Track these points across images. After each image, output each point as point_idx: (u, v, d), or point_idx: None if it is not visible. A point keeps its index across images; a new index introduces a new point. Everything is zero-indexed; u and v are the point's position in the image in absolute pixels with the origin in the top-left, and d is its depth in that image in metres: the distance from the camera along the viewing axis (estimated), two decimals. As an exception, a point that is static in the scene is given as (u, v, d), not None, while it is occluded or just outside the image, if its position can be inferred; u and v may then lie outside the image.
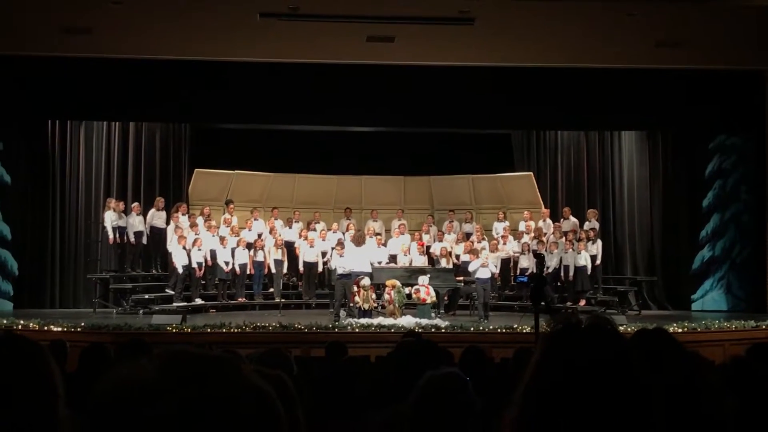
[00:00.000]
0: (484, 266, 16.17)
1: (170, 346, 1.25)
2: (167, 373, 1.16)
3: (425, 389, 2.86)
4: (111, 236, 17.06)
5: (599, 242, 17.86)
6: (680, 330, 13.73)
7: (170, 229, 17.37)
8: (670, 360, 2.55)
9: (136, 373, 1.17)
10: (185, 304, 16.62)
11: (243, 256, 17.65)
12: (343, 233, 18.11)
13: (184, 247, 16.81)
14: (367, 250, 16.64)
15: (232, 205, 18.78)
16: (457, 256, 18.04)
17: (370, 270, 15.99)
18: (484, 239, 18.21)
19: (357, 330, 13.85)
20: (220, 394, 1.14)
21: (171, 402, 1.12)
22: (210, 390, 1.14)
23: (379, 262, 17.40)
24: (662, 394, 1.61)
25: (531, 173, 19.94)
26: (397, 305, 15.39)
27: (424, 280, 15.92)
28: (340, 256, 15.87)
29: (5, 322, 13.79)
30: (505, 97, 16.41)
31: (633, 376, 1.52)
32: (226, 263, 17.38)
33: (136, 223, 17.45)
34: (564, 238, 17.68)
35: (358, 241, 16.45)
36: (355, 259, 15.85)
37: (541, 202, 19.48)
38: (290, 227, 18.83)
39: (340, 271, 15.68)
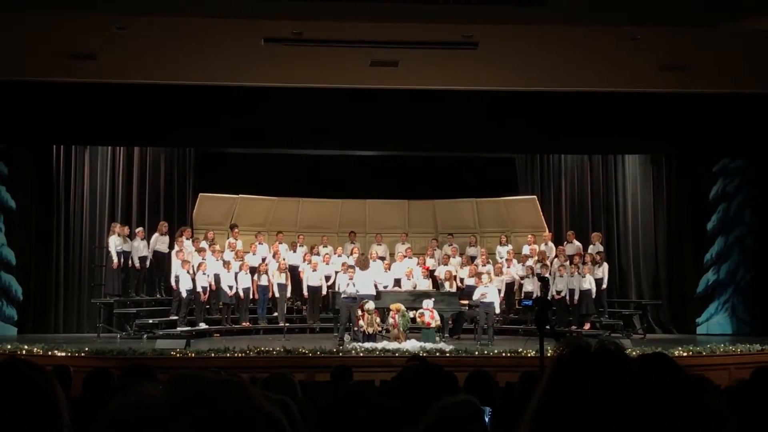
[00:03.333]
0: (484, 295, 16.13)
1: (178, 370, 1.24)
2: (178, 395, 1.16)
3: (440, 415, 2.84)
4: (115, 261, 17.06)
5: (605, 265, 17.78)
6: (685, 354, 13.70)
7: (174, 253, 17.35)
8: (673, 384, 2.54)
9: (146, 396, 1.17)
10: (189, 328, 16.59)
11: (246, 281, 17.64)
12: (348, 257, 18.12)
13: (188, 272, 16.80)
14: (372, 274, 16.66)
15: (236, 230, 18.78)
16: (461, 280, 18.02)
17: (374, 293, 16.03)
18: (489, 263, 18.18)
19: (361, 354, 13.83)
20: (230, 416, 1.14)
21: (182, 423, 1.12)
22: (220, 412, 1.14)
23: (384, 286, 17.40)
24: (666, 419, 1.61)
25: (535, 197, 19.94)
26: (401, 329, 15.37)
27: (428, 303, 15.88)
28: (350, 278, 15.88)
29: (9, 347, 13.79)
30: (509, 121, 16.40)
31: (641, 400, 1.52)
32: (230, 287, 17.37)
33: (140, 247, 17.46)
34: (569, 261, 17.63)
35: (363, 264, 16.47)
36: (360, 283, 15.89)
37: (545, 225, 19.46)
38: (294, 251, 18.82)
39: (345, 295, 15.69)
